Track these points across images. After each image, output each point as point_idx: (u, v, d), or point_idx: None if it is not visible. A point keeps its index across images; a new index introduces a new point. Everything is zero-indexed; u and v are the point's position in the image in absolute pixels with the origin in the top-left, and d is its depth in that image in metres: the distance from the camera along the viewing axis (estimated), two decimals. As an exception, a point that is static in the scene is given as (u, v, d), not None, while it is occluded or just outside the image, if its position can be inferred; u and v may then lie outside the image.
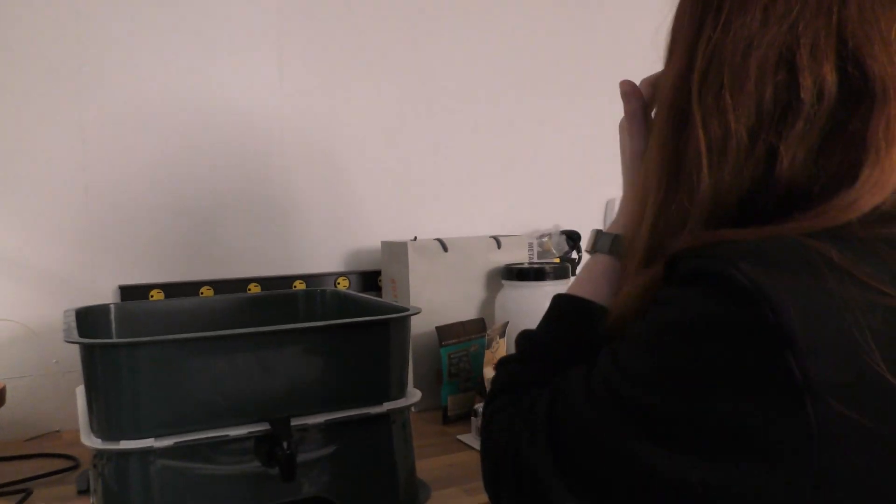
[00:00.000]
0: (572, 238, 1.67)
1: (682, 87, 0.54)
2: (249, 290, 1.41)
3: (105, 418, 0.80)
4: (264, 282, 1.43)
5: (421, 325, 1.33)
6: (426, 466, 1.06)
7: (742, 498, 0.44)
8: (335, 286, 1.48)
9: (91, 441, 0.81)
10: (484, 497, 0.97)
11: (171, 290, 1.35)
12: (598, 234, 0.73)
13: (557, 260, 1.62)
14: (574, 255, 1.66)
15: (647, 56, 1.88)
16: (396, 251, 1.39)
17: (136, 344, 0.80)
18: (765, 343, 0.42)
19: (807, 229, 0.46)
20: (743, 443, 0.43)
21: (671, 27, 0.59)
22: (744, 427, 0.43)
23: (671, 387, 0.46)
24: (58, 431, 1.28)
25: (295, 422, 0.86)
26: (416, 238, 1.46)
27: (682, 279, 0.48)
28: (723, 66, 0.51)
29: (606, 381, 0.51)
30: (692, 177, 0.52)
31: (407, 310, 0.95)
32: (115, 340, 0.80)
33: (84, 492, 1.00)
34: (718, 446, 0.44)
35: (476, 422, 1.18)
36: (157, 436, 0.80)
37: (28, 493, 0.98)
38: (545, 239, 1.66)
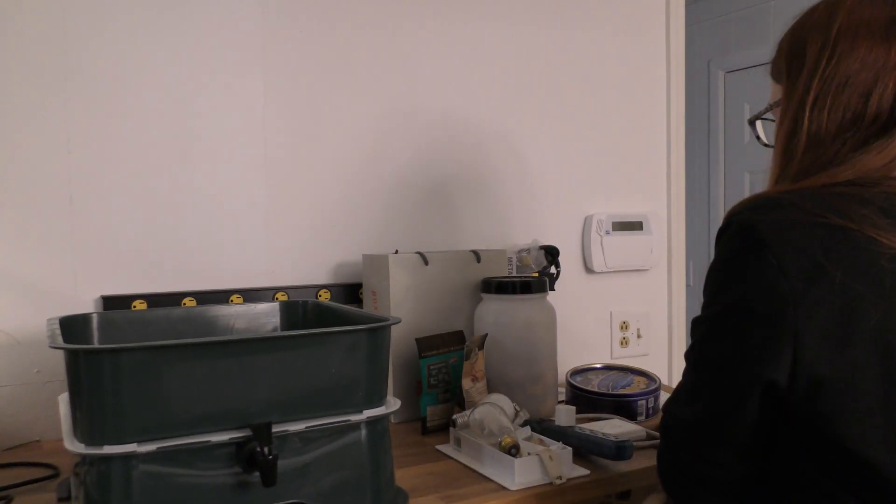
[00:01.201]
0: (551, 253, 1.70)
1: (800, 102, 0.88)
2: (232, 301, 1.43)
3: (88, 423, 0.82)
4: (246, 293, 1.44)
5: (401, 337, 1.35)
6: (405, 475, 1.08)
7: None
8: (317, 298, 1.50)
9: (74, 446, 0.82)
10: (463, 502, 0.99)
11: (153, 300, 1.36)
12: None
13: (536, 274, 1.65)
14: (552, 269, 1.69)
15: (624, 74, 1.93)
16: (378, 264, 1.42)
17: (120, 350, 0.81)
18: (754, 250, 0.78)
19: (809, 185, 0.84)
20: (748, 315, 0.79)
21: (790, 55, 0.92)
22: (747, 305, 0.79)
23: (707, 294, 0.85)
24: (37, 441, 1.29)
25: (276, 428, 0.87)
26: (397, 251, 1.48)
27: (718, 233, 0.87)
28: (828, 94, 0.85)
29: None
30: (793, 159, 0.88)
31: (387, 320, 0.97)
32: (98, 346, 0.82)
33: (64, 499, 1.00)
34: (733, 324, 0.81)
35: (455, 432, 1.19)
36: (140, 441, 0.81)
37: (8, 500, 0.98)
38: (524, 253, 1.68)
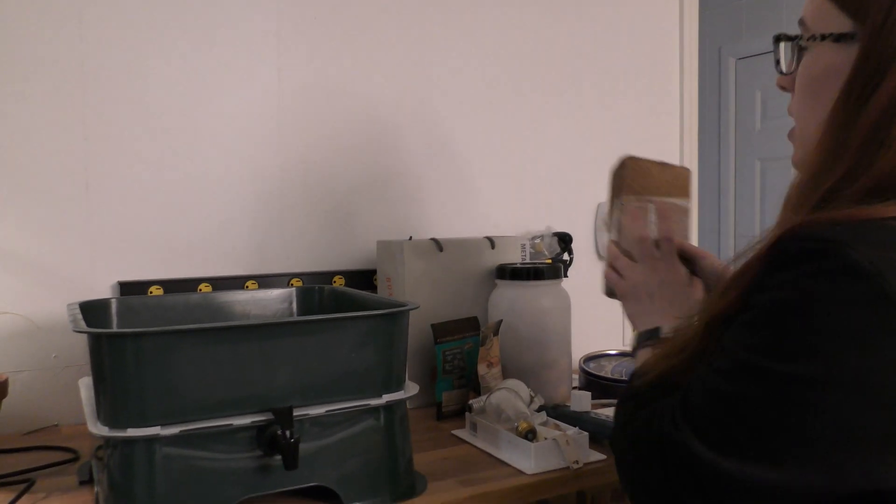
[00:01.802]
0: (564, 240, 1.70)
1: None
2: (247, 287, 1.43)
3: (112, 407, 0.82)
4: (262, 279, 1.45)
5: (416, 323, 1.35)
6: (422, 460, 1.08)
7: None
8: (331, 284, 1.50)
9: (98, 429, 0.83)
10: (477, 487, 1.00)
11: (169, 286, 1.36)
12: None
13: (549, 261, 1.65)
14: (566, 256, 1.69)
15: (637, 61, 1.92)
16: (392, 250, 1.42)
17: (142, 334, 0.82)
18: (886, 308, 0.55)
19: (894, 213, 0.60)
20: (875, 394, 0.56)
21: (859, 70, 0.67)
22: (872, 380, 0.56)
23: (807, 352, 0.57)
24: (56, 425, 1.30)
25: (296, 412, 0.88)
26: (411, 238, 1.48)
27: (794, 259, 0.59)
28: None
29: (733, 359, 0.62)
30: (864, 152, 0.65)
31: (406, 305, 0.98)
32: (121, 330, 0.83)
33: (85, 482, 1.02)
34: (849, 399, 0.56)
35: (471, 417, 1.20)
36: (163, 424, 0.82)
37: (31, 483, 0.99)
38: (537, 240, 1.69)
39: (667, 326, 0.86)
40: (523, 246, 1.65)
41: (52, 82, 1.30)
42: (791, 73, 0.74)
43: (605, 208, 1.04)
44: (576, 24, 1.80)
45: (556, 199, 1.80)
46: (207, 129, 1.42)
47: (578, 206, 1.83)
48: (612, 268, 0.98)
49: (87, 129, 1.33)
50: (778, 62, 0.77)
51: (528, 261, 1.64)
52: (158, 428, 0.81)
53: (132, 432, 0.81)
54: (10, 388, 1.07)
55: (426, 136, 1.64)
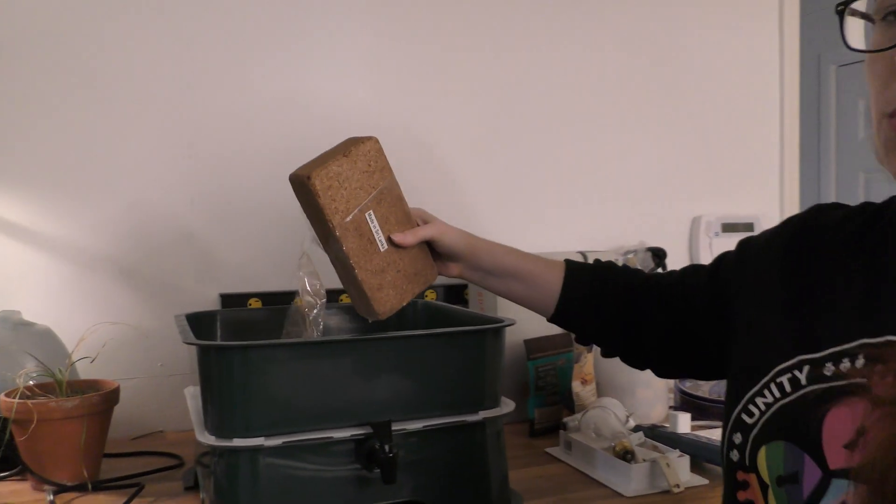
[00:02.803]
0: (658, 255, 1.66)
1: None
2: (341, 300, 1.45)
3: (219, 417, 0.85)
4: (355, 293, 1.47)
5: (508, 339, 1.34)
6: (516, 477, 1.07)
7: None
8: (423, 298, 1.51)
9: (205, 438, 0.85)
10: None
11: (268, 298, 1.40)
12: None
13: (643, 276, 1.61)
14: (659, 271, 1.65)
15: (734, 70, 1.87)
16: (484, 265, 1.41)
17: (248, 347, 0.84)
18: None
19: None
20: None
21: None
22: None
23: None
24: (161, 431, 1.35)
25: (395, 426, 0.88)
26: (502, 252, 1.47)
27: None
28: None
29: None
30: None
31: (502, 321, 0.97)
32: (229, 343, 0.85)
33: (190, 488, 1.05)
34: None
35: (565, 435, 1.18)
36: (267, 435, 0.84)
37: (140, 487, 1.03)
38: (630, 255, 1.65)
39: None
40: (617, 261, 1.62)
41: (160, 106, 1.36)
42: None
43: (309, 244, 0.90)
44: (670, 30, 1.76)
45: (649, 213, 1.76)
46: (304, 143, 1.45)
47: (672, 221, 1.79)
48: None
49: (193, 148, 1.38)
50: (843, 37, 0.63)
51: (621, 276, 1.61)
52: (262, 439, 0.83)
53: (237, 442, 0.83)
54: (120, 395, 1.12)
55: (516, 145, 1.63)
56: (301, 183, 0.85)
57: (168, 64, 1.36)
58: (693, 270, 0.88)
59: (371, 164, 0.87)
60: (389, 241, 0.87)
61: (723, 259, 0.84)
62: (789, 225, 0.77)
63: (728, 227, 1.80)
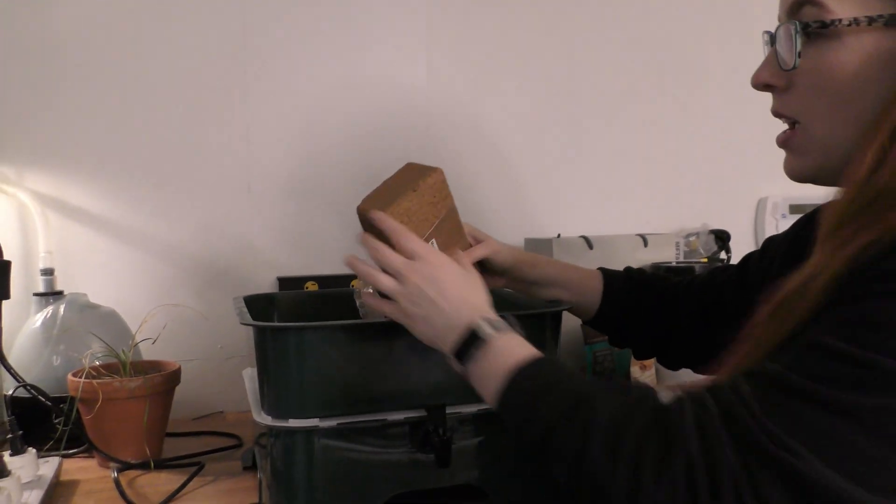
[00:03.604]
0: (721, 238, 1.60)
1: None
2: (396, 284, 1.45)
3: (275, 398, 0.85)
4: (410, 276, 1.46)
5: (565, 323, 1.32)
6: (573, 463, 1.05)
7: None
8: (478, 282, 1.50)
9: (262, 418, 0.86)
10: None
11: (324, 282, 1.41)
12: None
13: (705, 259, 1.57)
14: (723, 255, 1.60)
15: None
16: (540, 248, 1.39)
17: (304, 328, 0.84)
18: None
19: None
20: None
21: None
22: None
23: None
24: (221, 412, 1.37)
25: (449, 410, 0.87)
26: (559, 235, 1.45)
27: None
28: None
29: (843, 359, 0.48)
30: None
31: (560, 303, 0.95)
32: (285, 324, 0.85)
33: (248, 468, 1.07)
34: None
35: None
36: (322, 416, 0.84)
37: (201, 466, 1.05)
38: (692, 238, 1.61)
39: (487, 316, 0.71)
40: (678, 244, 1.58)
41: (216, 90, 1.37)
42: (791, 69, 0.62)
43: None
44: (731, 11, 1.70)
45: (712, 194, 1.71)
46: (359, 128, 1.45)
47: (736, 203, 1.73)
48: (375, 291, 0.83)
49: (251, 134, 1.39)
50: (777, 52, 0.64)
51: (682, 260, 1.57)
52: (317, 420, 0.83)
53: (293, 423, 0.83)
54: (182, 376, 1.14)
55: (573, 127, 1.60)
56: (369, 220, 0.86)
57: (225, 49, 1.37)
58: (722, 270, 0.94)
59: (436, 195, 0.89)
60: None
61: (749, 258, 0.89)
62: (800, 221, 0.80)
63: (796, 209, 1.73)
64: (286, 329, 0.84)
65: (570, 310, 0.99)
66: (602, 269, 1.02)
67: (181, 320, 1.33)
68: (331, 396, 0.85)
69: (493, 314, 0.73)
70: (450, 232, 0.92)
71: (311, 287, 1.40)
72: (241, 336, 1.37)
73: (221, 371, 1.38)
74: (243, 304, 1.01)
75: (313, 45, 1.42)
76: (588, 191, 1.61)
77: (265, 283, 1.40)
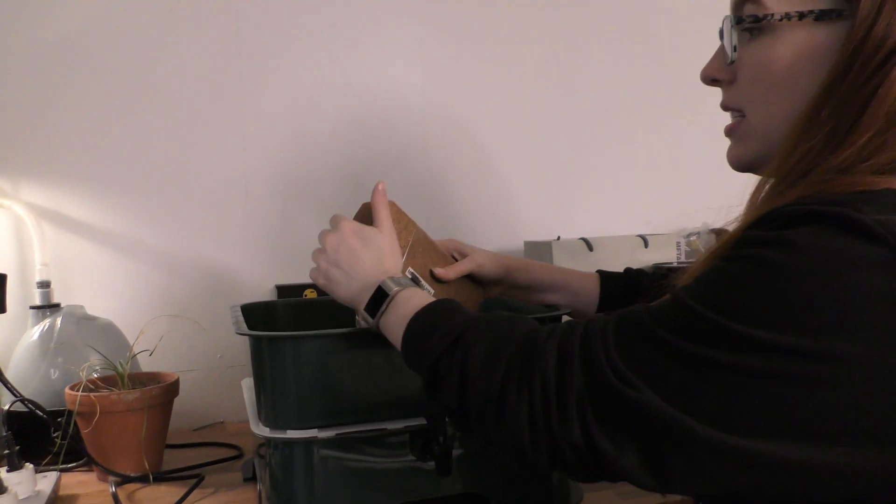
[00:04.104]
0: (722, 236, 1.59)
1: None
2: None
3: (272, 408, 0.85)
4: (410, 282, 1.45)
5: (566, 326, 1.31)
6: (576, 468, 1.04)
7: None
8: (478, 286, 1.49)
9: (259, 429, 0.85)
10: (636, 500, 0.94)
11: (323, 289, 1.40)
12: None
13: (707, 259, 1.56)
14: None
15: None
16: (540, 251, 1.38)
17: (301, 337, 0.83)
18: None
19: None
20: (870, 371, 0.46)
21: (858, 48, 0.58)
22: (871, 355, 0.46)
23: (796, 321, 0.47)
24: (222, 422, 1.36)
25: (449, 417, 0.86)
26: (559, 238, 1.44)
27: (788, 222, 0.51)
28: None
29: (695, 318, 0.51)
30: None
31: (557, 308, 0.94)
32: (281, 333, 0.84)
33: (249, 479, 1.06)
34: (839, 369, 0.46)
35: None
36: (320, 427, 0.83)
37: (201, 478, 1.04)
38: (693, 237, 1.59)
39: (393, 275, 0.80)
40: (678, 244, 1.57)
41: (211, 98, 1.36)
42: (730, 63, 0.66)
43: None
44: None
45: (712, 193, 1.69)
46: (355, 134, 1.45)
47: (738, 202, 1.72)
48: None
49: (246, 141, 1.38)
50: (724, 46, 0.67)
51: (683, 260, 1.55)
52: (316, 430, 0.83)
53: (291, 434, 0.82)
54: (181, 387, 1.13)
55: (571, 130, 1.59)
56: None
57: (220, 56, 1.36)
58: None
59: (397, 226, 0.91)
60: (432, 276, 0.94)
61: None
62: None
63: (797, 207, 1.72)
64: (282, 338, 0.84)
65: (568, 313, 0.98)
66: (600, 272, 1.02)
67: (180, 330, 1.32)
68: (329, 406, 0.84)
69: (398, 272, 0.82)
70: (424, 254, 0.94)
71: (310, 294, 1.39)
72: (241, 345, 1.36)
73: (221, 381, 1.38)
74: (240, 312, 1.00)
75: (308, 49, 1.41)
76: (587, 192, 1.60)
77: (263, 291, 1.40)
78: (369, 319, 0.79)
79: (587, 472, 0.56)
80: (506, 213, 1.54)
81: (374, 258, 0.82)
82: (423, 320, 0.71)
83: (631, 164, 1.63)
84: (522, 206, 1.56)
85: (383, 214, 0.88)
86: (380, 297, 0.77)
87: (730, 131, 0.71)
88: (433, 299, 0.74)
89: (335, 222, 0.88)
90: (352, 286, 0.82)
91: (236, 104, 1.38)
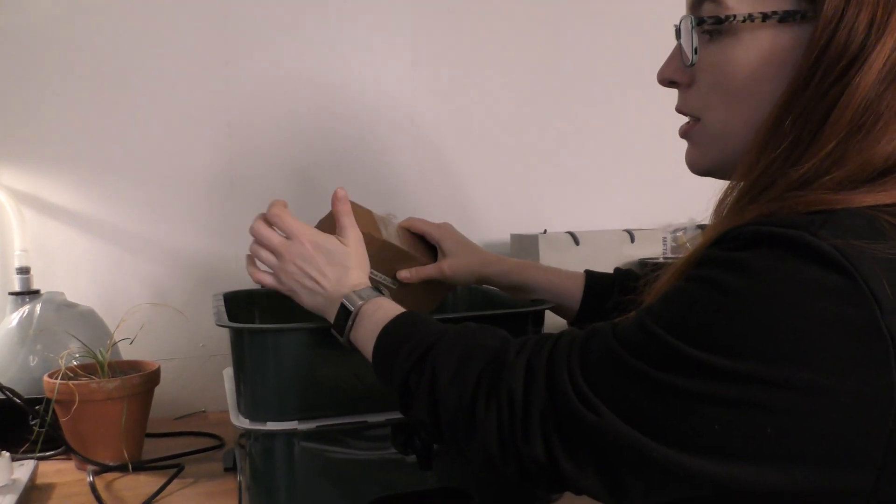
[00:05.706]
0: (708, 233, 1.60)
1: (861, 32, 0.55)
2: (381, 280, 1.44)
3: (252, 400, 0.84)
4: (395, 273, 1.45)
5: (548, 322, 1.31)
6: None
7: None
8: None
9: (239, 421, 0.84)
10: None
11: (307, 279, 1.39)
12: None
13: (693, 255, 1.56)
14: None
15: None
16: (526, 244, 1.38)
17: (282, 330, 0.82)
18: (856, 303, 0.45)
19: (872, 202, 0.50)
20: (827, 398, 0.45)
21: (823, 51, 0.55)
22: (827, 383, 0.45)
23: (751, 347, 0.46)
24: (203, 411, 1.36)
25: (431, 411, 0.86)
26: (545, 231, 1.44)
27: (746, 243, 0.50)
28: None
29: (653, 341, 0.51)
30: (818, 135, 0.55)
31: (543, 303, 0.94)
32: (262, 326, 0.84)
33: (229, 469, 1.05)
34: (793, 398, 0.45)
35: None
36: (301, 419, 0.83)
37: (181, 468, 1.03)
38: (679, 233, 1.59)
39: (357, 289, 0.79)
40: (664, 239, 1.57)
41: (198, 85, 1.35)
42: (690, 65, 0.62)
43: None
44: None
45: (699, 189, 1.69)
46: (344, 125, 1.44)
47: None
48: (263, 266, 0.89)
49: (232, 129, 1.37)
50: (682, 48, 0.63)
51: (669, 255, 1.56)
52: (296, 423, 0.82)
53: (272, 426, 0.82)
54: (162, 376, 1.12)
55: (558, 124, 1.58)
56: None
57: (204, 43, 1.35)
58: None
59: (363, 229, 0.89)
60: (396, 279, 0.97)
61: None
62: None
63: (783, 204, 1.72)
64: (263, 331, 0.83)
65: (554, 311, 0.98)
66: (588, 272, 1.01)
67: (162, 319, 1.31)
68: (310, 398, 0.83)
69: (364, 284, 0.81)
70: (391, 261, 0.95)
71: (295, 284, 1.38)
72: (223, 335, 1.33)
73: (204, 370, 1.37)
74: (222, 302, 1.00)
75: (297, 40, 1.40)
76: (574, 186, 1.60)
77: (247, 280, 1.38)
78: (338, 336, 0.79)
79: (551, 487, 0.57)
80: (493, 206, 1.54)
81: (336, 273, 0.81)
82: (389, 336, 0.71)
83: (618, 159, 1.63)
84: (510, 198, 1.55)
85: (347, 223, 0.86)
86: (346, 313, 0.77)
87: (685, 133, 0.68)
88: (399, 310, 0.74)
89: (290, 230, 0.84)
90: (317, 300, 0.82)
91: (222, 93, 1.36)
